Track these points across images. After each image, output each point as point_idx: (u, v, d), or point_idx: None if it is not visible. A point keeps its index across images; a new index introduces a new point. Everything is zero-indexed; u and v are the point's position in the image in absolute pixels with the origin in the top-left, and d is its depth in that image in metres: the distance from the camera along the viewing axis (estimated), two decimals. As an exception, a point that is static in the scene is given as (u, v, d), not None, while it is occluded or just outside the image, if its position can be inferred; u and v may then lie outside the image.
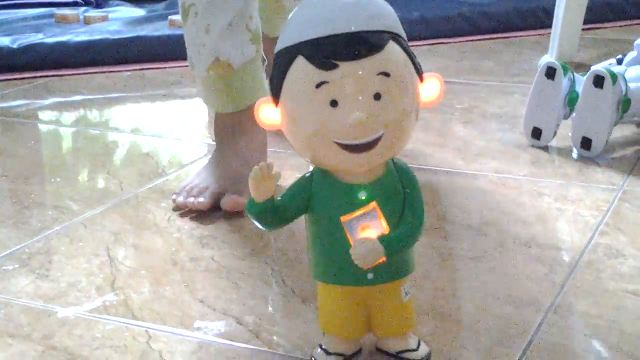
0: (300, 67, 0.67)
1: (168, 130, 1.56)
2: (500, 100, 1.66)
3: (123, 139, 1.52)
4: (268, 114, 0.71)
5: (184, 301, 0.90)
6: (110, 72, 1.99)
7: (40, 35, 2.09)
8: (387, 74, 0.67)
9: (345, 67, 0.66)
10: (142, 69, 2.01)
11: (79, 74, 1.97)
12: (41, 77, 1.94)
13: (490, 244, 1.02)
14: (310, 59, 0.67)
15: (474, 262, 0.97)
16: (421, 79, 0.71)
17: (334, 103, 0.67)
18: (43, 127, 1.63)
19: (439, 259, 0.98)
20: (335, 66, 0.66)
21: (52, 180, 1.29)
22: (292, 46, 0.68)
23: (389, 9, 0.70)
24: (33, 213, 1.15)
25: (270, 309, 0.88)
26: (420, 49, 2.12)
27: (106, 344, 0.81)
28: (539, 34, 2.25)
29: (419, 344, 0.77)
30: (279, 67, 0.69)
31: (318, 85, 0.67)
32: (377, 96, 0.67)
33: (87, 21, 2.28)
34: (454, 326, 0.83)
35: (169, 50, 2.07)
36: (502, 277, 0.93)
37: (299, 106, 0.68)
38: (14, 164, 1.38)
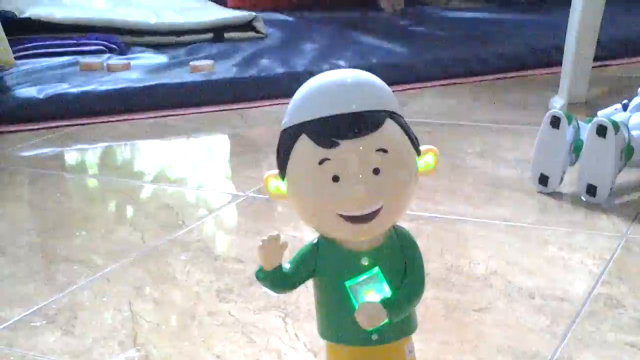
0: (304, 145, 0.72)
1: (189, 178, 1.62)
2: (510, 143, 1.70)
3: (145, 188, 1.58)
4: (275, 186, 0.76)
5: (201, 356, 0.94)
6: (133, 119, 2.06)
7: (65, 85, 2.16)
8: (385, 150, 0.72)
9: (345, 145, 0.71)
10: (165, 115, 2.08)
11: (103, 122, 2.04)
12: (66, 126, 2.01)
13: (495, 294, 1.06)
14: (313, 137, 0.72)
15: (478, 313, 1.01)
16: (418, 153, 0.75)
17: (335, 178, 0.72)
18: (68, 177, 1.69)
19: (445, 310, 1.02)
20: (336, 144, 0.71)
21: (77, 233, 1.35)
22: (296, 125, 0.73)
23: (386, 88, 0.75)
24: (59, 268, 1.21)
25: (283, 364, 0.92)
26: (433, 89, 2.17)
27: (128, 402, 0.86)
28: (551, 72, 2.29)
29: (423, 400, 0.81)
30: (284, 144, 0.74)
31: (321, 162, 0.72)
32: (376, 171, 0.72)
33: (110, 69, 2.35)
34: (457, 380, 0.87)
35: (190, 96, 2.14)
36: (505, 329, 0.97)
37: (303, 181, 0.73)
38: (41, 217, 1.44)
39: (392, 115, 0.73)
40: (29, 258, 1.26)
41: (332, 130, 0.71)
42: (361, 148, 0.71)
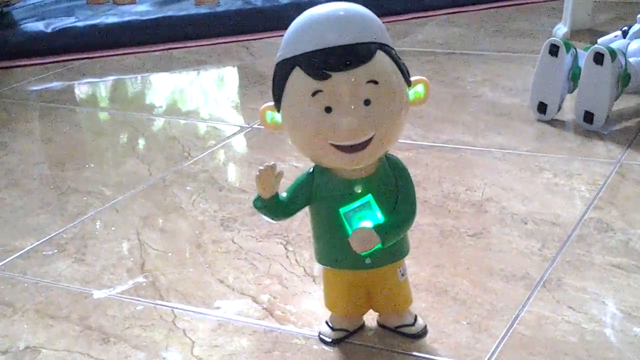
0: (298, 77, 0.75)
1: (196, 111, 1.65)
2: (512, 71, 1.72)
3: (152, 121, 1.61)
4: (271, 117, 0.79)
5: (205, 282, 0.99)
6: (140, 52, 2.08)
7: (72, 19, 2.18)
8: (375, 82, 0.74)
9: (337, 77, 0.74)
10: (170, 48, 2.09)
11: (110, 55, 2.06)
12: (74, 59, 2.04)
13: (489, 220, 1.09)
14: (306, 70, 0.74)
15: (473, 238, 1.05)
16: (409, 84, 0.78)
17: (328, 109, 0.74)
18: (77, 111, 1.72)
19: (441, 236, 1.06)
20: (328, 76, 0.74)
21: (86, 165, 1.39)
22: (289, 58, 0.76)
23: (377, 21, 0.77)
24: (69, 199, 1.25)
25: (283, 288, 0.96)
26: (438, 18, 2.17)
27: (136, 324, 0.90)
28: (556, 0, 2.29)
29: (415, 319, 0.85)
30: (278, 77, 0.77)
31: (313, 94, 0.74)
32: (367, 102, 0.74)
33: (116, 2, 2.36)
34: (449, 301, 0.91)
35: (196, 29, 2.15)
36: (497, 253, 1.01)
37: (297, 112, 0.76)
38: (52, 150, 1.48)
39: (383, 47, 0.75)
40: (40, 190, 1.30)
41: (323, 62, 0.74)
42: (353, 79, 0.74)
